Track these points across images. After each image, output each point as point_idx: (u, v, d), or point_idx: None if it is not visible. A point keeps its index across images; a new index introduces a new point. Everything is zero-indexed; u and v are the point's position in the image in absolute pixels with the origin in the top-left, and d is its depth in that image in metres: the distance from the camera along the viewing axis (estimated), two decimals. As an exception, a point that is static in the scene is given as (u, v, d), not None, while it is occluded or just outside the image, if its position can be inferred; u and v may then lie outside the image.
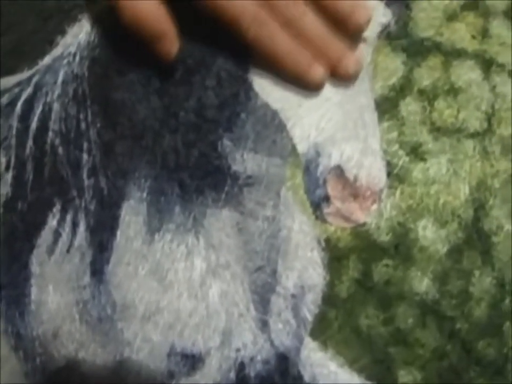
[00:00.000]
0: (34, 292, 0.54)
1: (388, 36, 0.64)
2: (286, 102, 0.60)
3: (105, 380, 0.52)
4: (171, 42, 0.58)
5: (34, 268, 0.54)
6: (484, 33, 0.64)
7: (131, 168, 0.57)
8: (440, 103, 0.61)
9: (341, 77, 0.57)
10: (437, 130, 0.60)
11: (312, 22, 0.58)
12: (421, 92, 0.61)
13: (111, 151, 0.56)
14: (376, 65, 0.62)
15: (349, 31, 0.60)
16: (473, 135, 0.60)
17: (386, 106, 0.60)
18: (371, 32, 0.64)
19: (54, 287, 0.54)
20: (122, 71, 0.57)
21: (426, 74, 0.62)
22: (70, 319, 0.53)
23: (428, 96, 0.61)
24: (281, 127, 0.60)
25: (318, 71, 0.57)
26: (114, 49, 0.57)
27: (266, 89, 0.61)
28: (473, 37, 0.64)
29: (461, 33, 0.64)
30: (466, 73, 0.62)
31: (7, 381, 0.52)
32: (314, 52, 0.57)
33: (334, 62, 0.57)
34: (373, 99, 0.61)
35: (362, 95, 0.62)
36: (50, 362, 0.52)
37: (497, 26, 0.65)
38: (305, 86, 0.56)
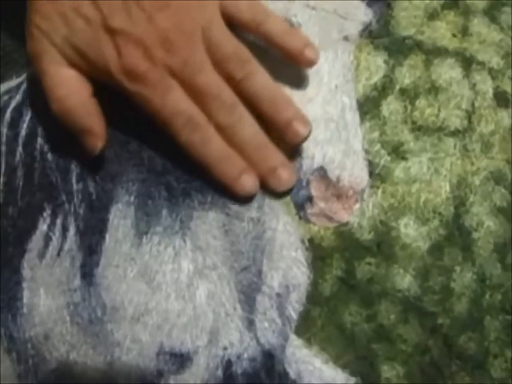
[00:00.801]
0: (26, 295, 0.56)
1: (370, 35, 0.65)
2: (269, 105, 0.62)
3: (96, 380, 0.54)
4: (97, 138, 0.59)
5: (26, 272, 0.56)
6: (464, 32, 0.65)
7: (119, 172, 0.59)
8: (421, 102, 0.62)
9: (272, 188, 0.59)
10: (418, 129, 0.62)
11: (249, 127, 0.59)
12: (402, 91, 0.63)
13: (99, 156, 0.58)
14: (358, 64, 0.63)
15: (287, 141, 0.61)
16: (454, 133, 0.62)
17: (368, 106, 0.62)
18: (354, 30, 0.66)
19: (45, 290, 0.56)
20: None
21: (408, 73, 0.63)
22: (61, 321, 0.55)
23: (409, 95, 0.63)
24: (265, 130, 0.61)
25: (246, 182, 0.59)
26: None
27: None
28: (454, 35, 0.65)
29: (442, 32, 0.65)
30: (447, 72, 0.64)
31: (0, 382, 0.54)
32: (248, 160, 0.58)
33: (266, 172, 0.59)
34: (355, 99, 0.63)
35: (344, 95, 0.63)
36: (42, 363, 0.55)
37: (477, 24, 0.66)
38: (234, 194, 0.58)
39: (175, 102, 0.57)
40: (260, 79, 0.59)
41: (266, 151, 0.58)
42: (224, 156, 0.58)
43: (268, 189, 0.58)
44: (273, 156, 0.59)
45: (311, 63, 0.60)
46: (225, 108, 0.57)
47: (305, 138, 0.59)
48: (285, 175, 0.58)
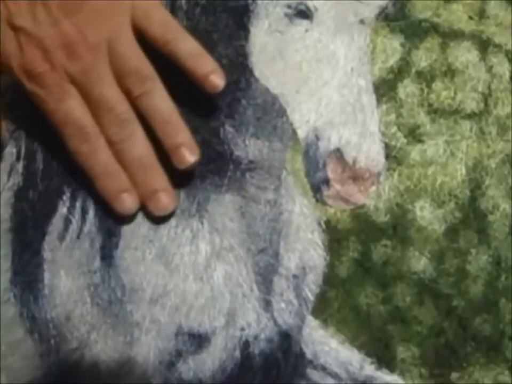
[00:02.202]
0: (47, 277, 0.58)
1: (386, 18, 0.67)
2: (284, 87, 0.64)
3: (116, 359, 0.57)
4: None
5: (46, 254, 0.59)
6: (481, 14, 0.66)
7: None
8: (437, 85, 0.64)
9: (150, 210, 0.60)
10: (434, 112, 0.63)
11: (138, 146, 0.60)
12: (419, 74, 0.64)
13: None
14: (374, 47, 0.65)
15: (174, 165, 0.61)
16: (470, 116, 0.64)
17: (385, 88, 0.64)
18: (370, 13, 0.67)
19: (65, 272, 0.58)
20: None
21: (424, 56, 0.65)
22: (81, 302, 0.57)
23: (426, 78, 0.64)
24: (281, 113, 0.63)
25: (125, 201, 0.60)
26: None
27: (265, 74, 0.64)
28: (470, 18, 0.66)
29: (458, 14, 0.67)
30: (463, 55, 0.65)
31: (22, 362, 0.57)
32: (131, 178, 0.59)
33: (147, 194, 0.60)
34: (371, 81, 0.65)
35: (360, 78, 0.65)
36: (64, 343, 0.57)
37: (494, 7, 0.68)
38: (115, 210, 0.57)
39: (68, 109, 0.57)
40: (157, 98, 0.59)
41: (150, 172, 0.59)
42: (108, 171, 0.58)
43: (147, 211, 0.59)
44: (157, 179, 0.59)
45: (215, 89, 0.60)
46: (117, 123, 0.58)
47: (192, 165, 0.59)
48: (164, 200, 0.59)
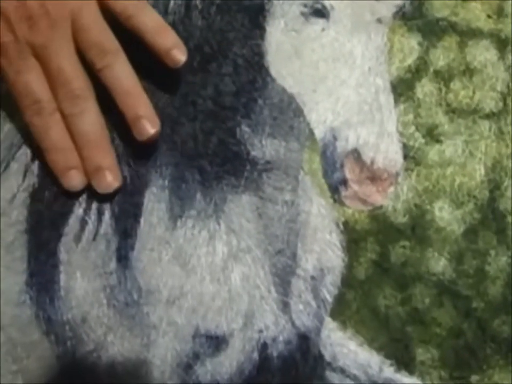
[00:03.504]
0: (63, 279, 0.59)
1: (403, 17, 0.67)
2: (301, 87, 0.65)
3: (133, 361, 0.57)
4: None
5: (62, 255, 0.59)
6: (499, 13, 0.67)
7: (152, 156, 0.62)
8: (455, 84, 0.64)
9: (94, 187, 0.62)
10: (453, 112, 0.64)
11: (89, 122, 0.62)
12: (437, 73, 0.65)
13: (133, 140, 0.61)
14: (391, 46, 0.65)
15: (135, 136, 0.61)
16: (489, 116, 0.64)
17: (402, 88, 0.64)
18: (387, 12, 0.68)
19: (81, 273, 0.59)
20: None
21: (442, 55, 0.65)
22: (97, 304, 0.58)
23: (444, 77, 0.65)
24: (298, 112, 0.64)
25: (73, 178, 0.62)
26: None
27: (282, 74, 0.65)
28: (489, 16, 0.67)
29: (476, 13, 0.67)
30: (482, 53, 0.65)
31: (39, 364, 0.58)
32: (79, 153, 0.61)
33: (91, 170, 0.62)
34: (389, 81, 0.65)
35: (378, 77, 0.65)
36: (80, 345, 0.58)
37: (513, 5, 0.68)
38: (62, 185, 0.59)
39: (27, 81, 0.59)
40: (119, 71, 0.60)
41: (97, 149, 0.60)
42: (59, 146, 0.60)
43: (92, 187, 0.60)
44: (103, 156, 0.60)
45: (177, 63, 0.61)
46: (71, 98, 0.59)
47: (152, 137, 0.60)
48: (108, 178, 0.60)
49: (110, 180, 0.60)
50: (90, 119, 0.60)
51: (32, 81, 0.59)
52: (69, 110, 0.60)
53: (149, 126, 0.60)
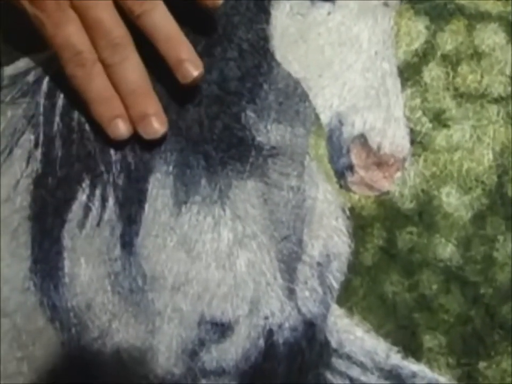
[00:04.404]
0: (67, 265, 0.59)
1: (410, 0, 0.67)
2: (307, 71, 0.65)
3: (138, 348, 0.58)
4: None
5: (66, 242, 0.60)
6: (508, -5, 0.67)
7: (156, 141, 0.62)
8: (463, 68, 0.65)
9: (141, 133, 0.62)
10: (460, 96, 0.64)
11: (132, 70, 0.62)
12: (444, 57, 0.65)
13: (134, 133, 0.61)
14: (398, 30, 0.66)
15: (178, 81, 0.62)
16: (497, 100, 0.64)
17: (409, 72, 0.64)
18: (394, -5, 0.68)
19: (86, 260, 0.59)
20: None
21: (450, 39, 0.65)
22: (102, 290, 0.59)
23: (451, 61, 0.65)
24: (303, 97, 0.64)
25: (118, 126, 0.63)
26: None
27: (287, 58, 0.65)
28: (497, -1, 0.67)
29: (485, -5, 0.67)
30: (490, 37, 0.65)
31: (44, 351, 0.58)
32: (124, 102, 0.61)
33: (137, 117, 0.62)
34: (396, 65, 0.65)
35: (384, 61, 0.66)
36: (85, 332, 0.58)
37: (522, -13, 0.68)
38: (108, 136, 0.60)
39: (67, 34, 0.60)
40: (158, 16, 0.61)
41: (142, 96, 0.61)
42: (102, 96, 0.61)
43: (139, 135, 0.61)
44: (148, 103, 0.61)
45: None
46: (111, 47, 0.60)
47: (196, 80, 0.61)
48: (155, 124, 0.61)
49: (157, 126, 0.61)
50: (132, 67, 0.61)
51: (71, 33, 0.60)
52: (110, 59, 0.60)
53: (193, 69, 0.61)
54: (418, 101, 0.64)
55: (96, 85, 0.61)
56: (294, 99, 0.64)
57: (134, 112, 0.61)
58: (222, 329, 0.58)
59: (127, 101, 0.61)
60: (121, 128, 0.61)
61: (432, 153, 0.63)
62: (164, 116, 0.62)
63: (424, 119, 0.63)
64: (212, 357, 0.58)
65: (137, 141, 0.62)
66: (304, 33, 0.64)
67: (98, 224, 0.60)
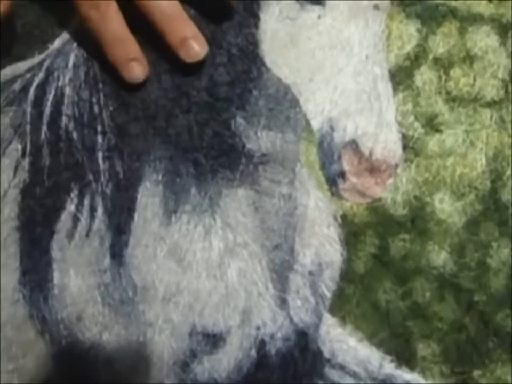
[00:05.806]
0: (56, 277, 0.60)
1: (402, 3, 0.68)
2: (297, 76, 0.65)
3: (129, 360, 0.58)
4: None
5: (55, 253, 0.60)
6: (501, -3, 0.68)
7: (145, 149, 0.62)
8: (456, 72, 0.65)
9: (182, 58, 0.62)
10: (453, 100, 0.65)
11: None
12: (436, 60, 0.65)
13: (125, 133, 0.61)
14: (389, 33, 0.66)
15: (181, 58, 0.62)
16: (490, 104, 0.65)
17: (401, 76, 0.65)
18: (385, -3, 0.68)
19: (75, 271, 0.60)
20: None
21: (442, 42, 0.66)
22: (92, 302, 0.59)
23: (444, 65, 0.65)
24: (294, 103, 0.64)
25: (134, 69, 0.63)
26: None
27: (277, 63, 0.66)
28: (489, 1, 0.67)
29: (477, -3, 0.68)
30: (483, 40, 0.66)
31: (34, 363, 0.58)
32: (161, 29, 0.61)
33: (177, 42, 0.62)
34: (387, 69, 0.66)
35: (376, 65, 0.66)
36: (75, 344, 0.58)
37: (514, -11, 0.69)
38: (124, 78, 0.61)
39: None
40: None
41: (180, 21, 0.62)
42: (118, 38, 0.61)
43: (178, 60, 0.62)
44: (186, 27, 0.62)
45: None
46: None
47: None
48: (195, 47, 0.61)
49: (197, 48, 0.61)
50: None
51: None
52: None
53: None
54: (410, 105, 0.64)
55: (112, 27, 0.60)
56: (284, 105, 0.64)
57: (173, 37, 0.61)
58: (214, 340, 0.59)
59: (164, 27, 0.61)
60: (137, 71, 0.61)
61: (425, 159, 0.63)
62: (203, 38, 0.62)
63: (417, 123, 0.64)
64: (204, 368, 0.59)
65: (125, 148, 0.62)
66: (294, 37, 0.65)
67: (87, 235, 0.60)
